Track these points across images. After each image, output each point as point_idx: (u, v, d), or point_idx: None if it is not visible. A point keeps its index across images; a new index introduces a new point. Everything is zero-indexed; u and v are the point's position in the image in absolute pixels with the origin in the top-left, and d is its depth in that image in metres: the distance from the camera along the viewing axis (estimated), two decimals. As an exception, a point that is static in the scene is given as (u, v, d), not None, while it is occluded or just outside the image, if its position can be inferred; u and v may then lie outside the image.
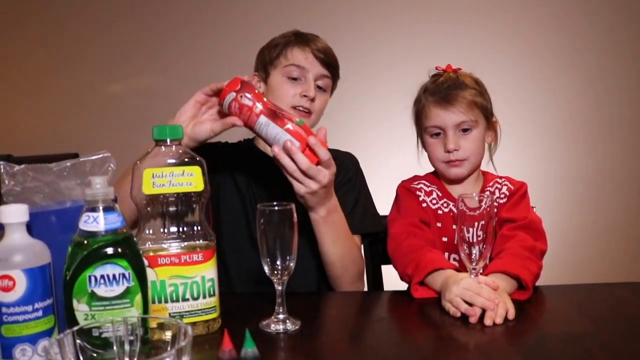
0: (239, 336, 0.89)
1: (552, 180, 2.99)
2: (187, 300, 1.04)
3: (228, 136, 1.66)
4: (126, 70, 3.22)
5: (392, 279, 1.60)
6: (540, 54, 3.04)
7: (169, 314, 1.03)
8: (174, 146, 1.05)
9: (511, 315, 1.10)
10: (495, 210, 1.38)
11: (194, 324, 1.04)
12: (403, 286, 1.36)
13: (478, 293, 1.11)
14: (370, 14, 3.05)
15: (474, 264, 1.15)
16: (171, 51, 3.17)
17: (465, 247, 1.16)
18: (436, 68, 1.52)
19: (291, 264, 1.07)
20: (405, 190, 1.52)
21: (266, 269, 1.08)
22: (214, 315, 1.07)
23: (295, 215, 1.07)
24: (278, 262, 1.06)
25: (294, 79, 1.54)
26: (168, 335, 0.84)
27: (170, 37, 3.18)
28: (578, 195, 3.05)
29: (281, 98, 1.53)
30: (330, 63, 1.58)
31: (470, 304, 1.11)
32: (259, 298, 1.26)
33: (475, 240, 1.16)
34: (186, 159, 1.05)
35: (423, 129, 1.48)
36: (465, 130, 1.43)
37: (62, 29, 3.23)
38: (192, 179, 1.04)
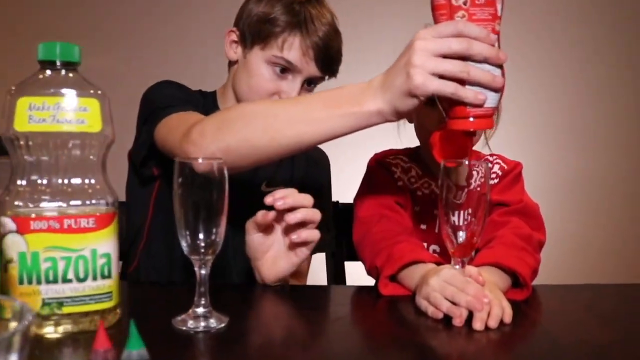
0: (146, 334, 0.61)
1: (550, 178, 2.78)
2: (70, 281, 0.75)
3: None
4: (88, 51, 2.95)
5: (356, 277, 1.33)
6: (539, 51, 2.84)
7: (43, 299, 0.74)
8: (63, 71, 0.77)
9: (508, 317, 0.84)
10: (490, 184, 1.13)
11: (80, 315, 0.76)
12: (370, 283, 1.10)
13: (463, 289, 0.84)
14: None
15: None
16: (136, 33, 2.93)
17: (449, 231, 0.89)
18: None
19: (218, 240, 0.80)
20: (378, 165, 1.25)
21: (184, 244, 0.80)
22: (110, 304, 0.79)
23: (226, 173, 0.80)
24: (200, 236, 0.79)
25: (281, 71, 1.24)
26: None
27: (136, 18, 2.93)
28: (576, 194, 2.85)
29: (256, 87, 1.24)
30: (332, 69, 1.27)
31: (454, 303, 0.84)
32: (188, 288, 0.97)
33: (462, 223, 0.89)
34: (80, 89, 0.77)
35: None
36: None
37: (23, 5, 2.96)
38: (85, 116, 0.76)
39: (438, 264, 0.97)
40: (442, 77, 0.79)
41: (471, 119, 0.83)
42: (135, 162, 1.26)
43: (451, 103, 0.83)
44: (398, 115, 0.87)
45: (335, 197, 1.49)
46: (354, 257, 1.34)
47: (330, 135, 0.90)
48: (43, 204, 0.74)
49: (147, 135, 1.15)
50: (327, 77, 1.29)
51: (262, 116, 0.92)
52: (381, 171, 1.24)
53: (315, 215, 0.96)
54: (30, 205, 0.74)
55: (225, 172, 0.80)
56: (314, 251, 1.37)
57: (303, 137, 0.90)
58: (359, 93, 0.88)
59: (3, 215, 0.73)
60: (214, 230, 0.80)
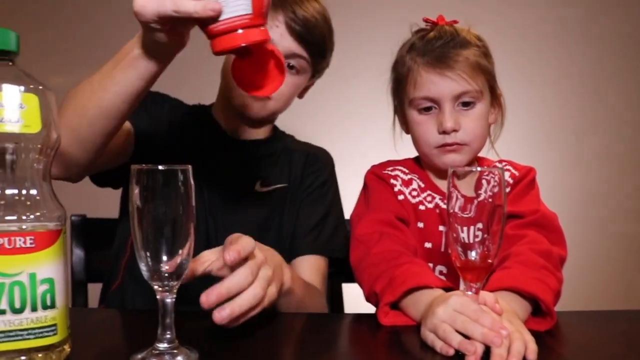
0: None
1: (565, 186, 2.59)
2: (3, 312, 0.62)
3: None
4: (71, 62, 2.85)
5: (355, 302, 1.20)
6: (554, 47, 2.64)
7: (-30, 335, 0.62)
8: (-5, 61, 0.65)
9: (532, 354, 0.70)
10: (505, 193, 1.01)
11: (17, 353, 0.63)
12: (370, 309, 0.96)
13: (476, 319, 0.71)
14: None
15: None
16: (120, 44, 2.80)
17: (459, 250, 0.76)
18: (424, 20, 1.13)
19: (184, 262, 0.67)
20: (376, 178, 1.12)
21: (143, 269, 0.67)
22: (54, 339, 0.65)
23: (192, 182, 0.67)
24: (163, 258, 0.66)
25: None
26: None
27: (120, 29, 2.81)
28: (596, 204, 2.65)
29: (227, 72, 1.16)
30: (311, 40, 1.15)
31: (467, 336, 0.71)
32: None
33: (473, 240, 0.76)
34: (17, 82, 0.64)
35: (407, 102, 1.09)
36: (466, 104, 1.04)
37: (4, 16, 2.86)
38: (22, 114, 0.63)
39: (447, 289, 0.84)
40: None
41: (224, 36, 0.72)
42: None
43: (200, 24, 0.73)
44: (157, 53, 0.80)
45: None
46: (353, 279, 1.21)
47: (124, 93, 0.84)
48: (-29, 220, 0.62)
49: None
50: (308, 57, 1.17)
51: (74, 96, 0.85)
52: (379, 185, 1.11)
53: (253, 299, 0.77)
54: (-45, 222, 0.62)
55: (192, 181, 0.67)
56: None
57: (103, 104, 0.82)
58: (132, 41, 0.83)
59: None
60: (179, 252, 0.67)
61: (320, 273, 1.19)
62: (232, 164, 1.20)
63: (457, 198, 0.77)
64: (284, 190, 1.24)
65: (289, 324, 0.89)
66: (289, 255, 1.20)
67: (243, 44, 0.72)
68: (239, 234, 0.81)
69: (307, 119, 2.00)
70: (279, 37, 1.12)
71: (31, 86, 0.65)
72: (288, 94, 1.19)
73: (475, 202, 0.76)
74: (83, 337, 0.74)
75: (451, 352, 0.71)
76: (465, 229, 0.76)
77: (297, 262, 1.20)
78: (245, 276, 0.76)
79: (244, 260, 0.77)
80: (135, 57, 0.81)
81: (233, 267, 0.77)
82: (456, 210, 0.77)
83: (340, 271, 1.23)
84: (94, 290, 1.33)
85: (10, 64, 0.66)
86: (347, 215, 1.19)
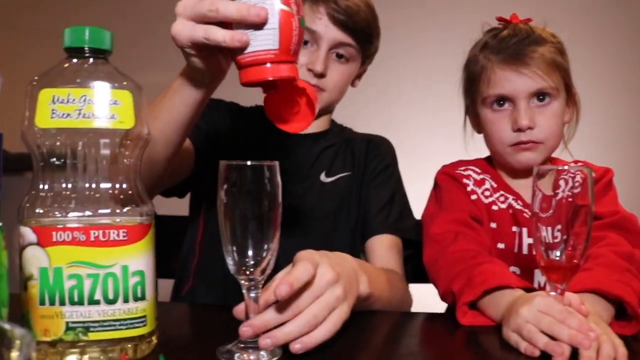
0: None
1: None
2: (97, 303, 0.64)
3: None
4: (133, 65, 2.90)
5: (424, 302, 1.18)
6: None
7: (67, 323, 0.64)
8: (92, 59, 0.67)
9: (623, 357, 0.68)
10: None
11: (110, 343, 0.64)
12: (439, 309, 0.95)
13: (562, 320, 0.70)
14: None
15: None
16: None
17: (542, 250, 0.75)
18: (497, 19, 1.12)
19: (269, 257, 0.68)
20: (448, 178, 1.11)
21: (230, 262, 0.68)
22: (143, 330, 0.67)
23: (278, 179, 0.68)
24: (249, 253, 0.67)
25: (304, 42, 1.14)
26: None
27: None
28: None
29: None
30: (355, 28, 1.15)
31: (552, 337, 0.69)
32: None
33: (552, 240, 0.75)
34: (111, 80, 0.66)
35: (480, 100, 1.08)
36: (541, 100, 1.03)
37: (64, 21, 2.95)
38: (116, 110, 0.65)
39: (528, 290, 0.82)
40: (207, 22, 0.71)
41: (250, 68, 0.72)
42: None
43: (232, 53, 0.73)
44: (197, 81, 0.82)
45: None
46: (419, 278, 1.20)
47: (172, 121, 0.86)
48: (66, 213, 0.64)
49: None
50: (357, 45, 1.17)
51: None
52: (452, 184, 1.10)
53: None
54: (53, 214, 0.64)
55: (279, 178, 0.68)
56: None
57: (154, 133, 0.80)
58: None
59: (22, 224, 0.63)
60: (265, 247, 0.68)
61: (395, 251, 1.18)
62: (295, 158, 1.21)
63: (537, 198, 0.75)
64: (349, 178, 1.25)
65: (370, 324, 0.88)
66: (361, 240, 1.21)
67: (265, 79, 0.72)
68: (304, 255, 0.75)
69: (371, 116, 2.00)
70: (324, 28, 1.12)
71: (125, 83, 0.67)
72: (341, 84, 1.19)
73: (554, 202, 0.75)
74: (165, 330, 0.76)
75: (537, 353, 0.69)
76: (543, 228, 0.75)
77: (370, 244, 1.19)
78: (289, 309, 0.70)
79: (302, 289, 0.71)
80: (179, 84, 0.83)
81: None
82: (536, 209, 0.76)
83: (410, 257, 1.20)
84: (162, 287, 1.36)
85: (105, 62, 0.68)
86: (417, 215, 1.17)
